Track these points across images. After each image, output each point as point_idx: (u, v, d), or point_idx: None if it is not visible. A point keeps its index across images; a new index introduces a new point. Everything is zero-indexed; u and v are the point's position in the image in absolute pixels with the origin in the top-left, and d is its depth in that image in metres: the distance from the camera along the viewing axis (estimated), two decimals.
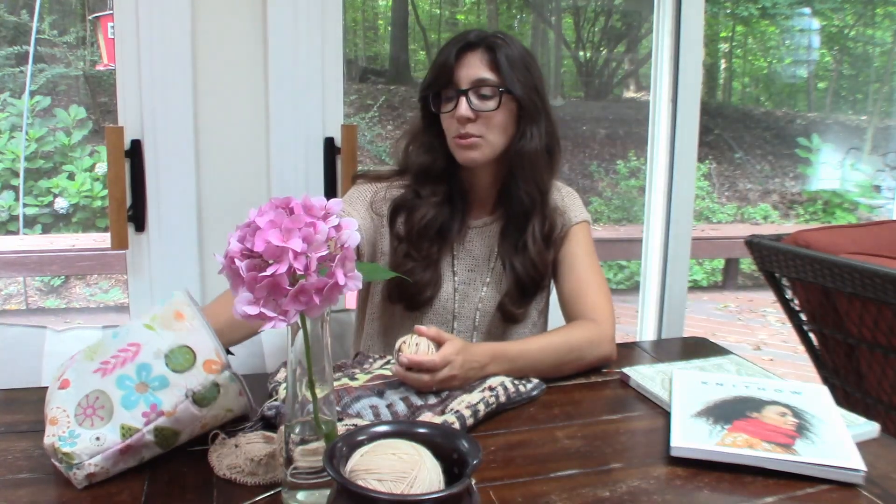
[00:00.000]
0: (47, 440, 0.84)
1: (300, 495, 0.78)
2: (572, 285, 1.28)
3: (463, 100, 1.20)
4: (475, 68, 1.21)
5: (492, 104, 1.21)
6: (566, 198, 1.35)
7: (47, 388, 0.94)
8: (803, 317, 1.88)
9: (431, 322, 1.29)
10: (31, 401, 1.05)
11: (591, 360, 1.20)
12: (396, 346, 1.05)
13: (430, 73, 1.25)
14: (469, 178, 1.30)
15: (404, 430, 0.72)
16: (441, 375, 1.03)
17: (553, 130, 1.29)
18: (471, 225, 1.32)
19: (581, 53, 7.82)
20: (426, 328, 1.06)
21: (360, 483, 0.63)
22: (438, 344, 1.05)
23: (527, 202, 1.26)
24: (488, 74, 1.21)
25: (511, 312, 1.29)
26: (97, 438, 0.83)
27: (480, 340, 1.30)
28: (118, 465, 0.85)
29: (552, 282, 1.36)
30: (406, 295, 1.27)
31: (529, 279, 1.28)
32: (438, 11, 8.10)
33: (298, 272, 0.67)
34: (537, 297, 1.33)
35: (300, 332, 0.74)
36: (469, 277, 1.31)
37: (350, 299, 1.50)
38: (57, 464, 0.84)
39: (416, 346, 1.04)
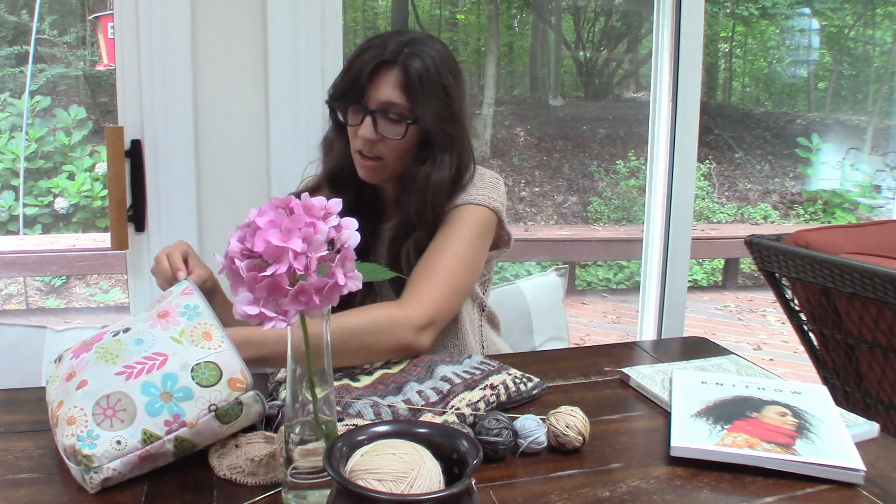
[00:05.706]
0: (67, 440, 0.82)
1: (300, 495, 0.78)
2: (415, 269, 1.17)
3: (368, 120, 1.14)
4: (387, 89, 1.13)
5: (398, 130, 1.14)
6: (476, 182, 1.23)
7: (46, 387, 0.94)
8: (803, 317, 1.88)
9: None
10: (31, 401, 1.05)
11: (384, 347, 1.08)
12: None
13: (342, 83, 1.17)
14: (377, 185, 1.27)
15: (404, 430, 0.72)
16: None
17: (465, 152, 1.21)
18: (382, 229, 1.29)
19: (581, 53, 7.81)
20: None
21: (360, 483, 0.63)
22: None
23: (416, 220, 1.19)
24: (399, 99, 1.13)
25: None
26: (118, 442, 0.82)
27: None
28: (133, 471, 0.84)
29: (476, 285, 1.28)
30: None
31: None
32: (438, 11, 8.09)
33: (298, 272, 0.67)
34: None
35: (300, 332, 0.74)
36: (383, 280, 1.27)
37: None
38: (73, 466, 0.82)
39: None
